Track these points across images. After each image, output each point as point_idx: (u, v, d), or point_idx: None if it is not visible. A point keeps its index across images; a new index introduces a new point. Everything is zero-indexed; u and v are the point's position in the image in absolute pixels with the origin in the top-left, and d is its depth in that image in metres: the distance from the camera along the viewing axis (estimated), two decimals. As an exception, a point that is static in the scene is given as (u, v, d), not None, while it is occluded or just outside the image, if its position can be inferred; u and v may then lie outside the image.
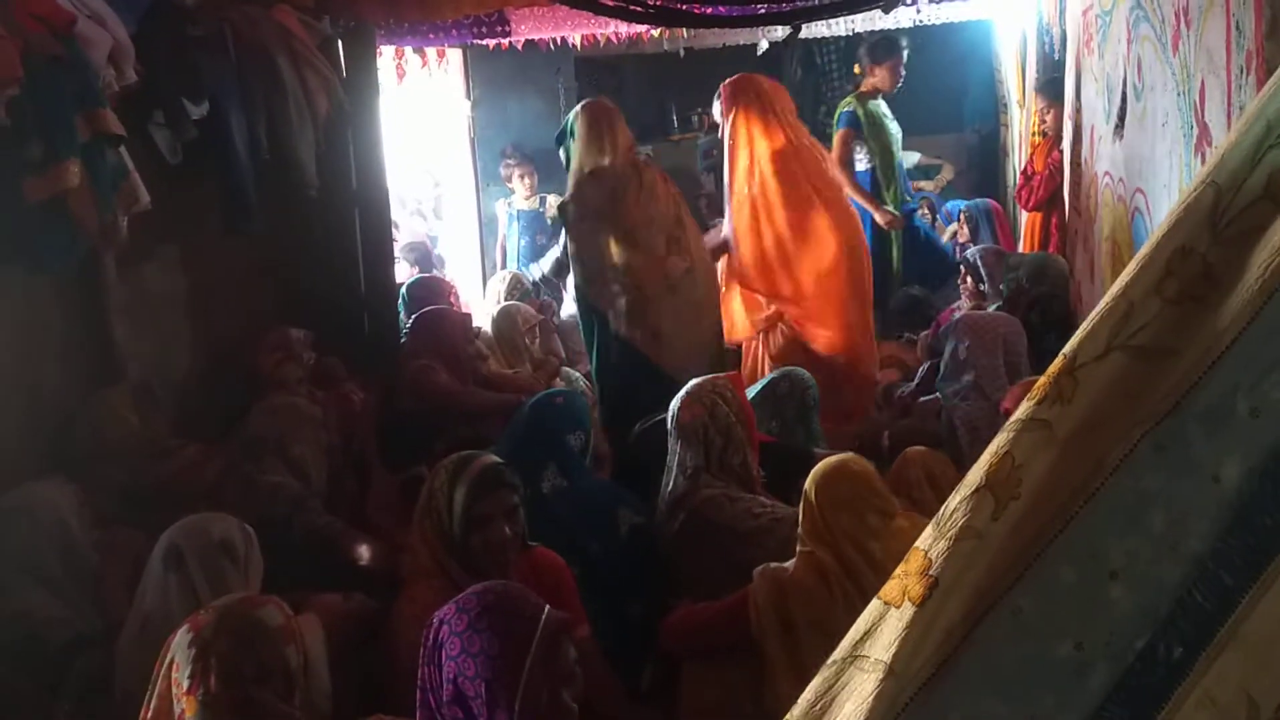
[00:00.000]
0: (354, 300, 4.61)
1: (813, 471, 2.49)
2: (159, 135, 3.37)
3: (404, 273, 6.06)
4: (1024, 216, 5.92)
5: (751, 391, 3.53)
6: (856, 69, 6.38)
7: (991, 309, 4.28)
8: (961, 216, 6.37)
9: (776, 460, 3.26)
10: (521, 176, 6.97)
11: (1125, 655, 0.92)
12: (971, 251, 4.87)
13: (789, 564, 2.46)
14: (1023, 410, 0.97)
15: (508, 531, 2.43)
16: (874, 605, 0.98)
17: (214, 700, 1.73)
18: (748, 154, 4.72)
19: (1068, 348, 0.97)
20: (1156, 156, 2.64)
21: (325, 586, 2.62)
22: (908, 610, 0.95)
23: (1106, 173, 3.52)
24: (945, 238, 7.07)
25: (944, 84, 8.36)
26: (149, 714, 1.79)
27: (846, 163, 5.80)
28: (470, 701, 1.65)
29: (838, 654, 0.99)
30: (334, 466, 3.40)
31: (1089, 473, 0.93)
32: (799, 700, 1.02)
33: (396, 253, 6.45)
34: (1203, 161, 2.13)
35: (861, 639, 0.98)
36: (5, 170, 2.77)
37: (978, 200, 6.64)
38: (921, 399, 4.02)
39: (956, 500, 0.97)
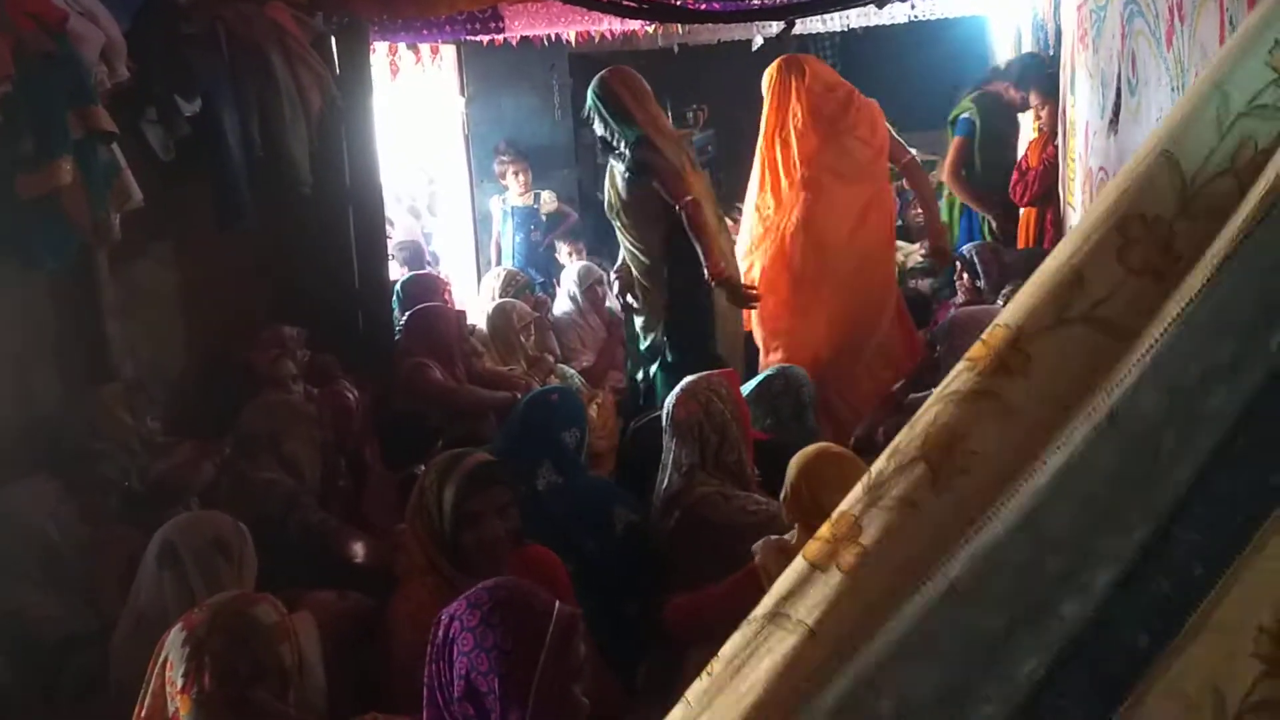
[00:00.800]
0: (348, 297, 4.61)
1: (794, 460, 2.50)
2: (151, 132, 3.35)
3: (395, 272, 6.05)
4: (1020, 212, 5.92)
5: (746, 389, 3.53)
6: (1001, 66, 6.24)
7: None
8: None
9: (772, 458, 3.26)
10: (516, 173, 6.96)
11: (1047, 623, 0.90)
12: (968, 247, 4.87)
13: (789, 535, 2.48)
14: (961, 381, 0.93)
15: (500, 529, 2.43)
16: (798, 564, 0.96)
17: (208, 699, 1.73)
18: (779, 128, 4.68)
19: (1007, 318, 0.93)
20: (1151, 152, 2.65)
21: (320, 584, 2.61)
22: (834, 576, 0.93)
23: (1101, 168, 3.52)
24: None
25: (938, 80, 8.34)
26: (143, 712, 1.79)
27: (956, 172, 5.73)
28: (483, 697, 1.64)
29: (759, 610, 0.97)
30: (328, 464, 3.40)
31: (1040, 446, 0.90)
32: (718, 655, 0.99)
33: (390, 250, 6.44)
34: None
35: (785, 597, 0.95)
36: (-2, 168, 2.76)
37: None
38: (913, 395, 4.01)
39: (890, 468, 0.94)
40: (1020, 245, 5.48)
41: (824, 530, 0.96)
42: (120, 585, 2.55)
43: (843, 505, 0.96)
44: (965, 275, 4.68)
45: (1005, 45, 7.19)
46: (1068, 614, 0.90)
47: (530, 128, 7.52)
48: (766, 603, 0.97)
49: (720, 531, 2.87)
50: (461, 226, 7.43)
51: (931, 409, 0.94)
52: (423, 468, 2.91)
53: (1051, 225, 5.10)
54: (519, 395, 4.15)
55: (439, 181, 7.70)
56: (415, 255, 6.51)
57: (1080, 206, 4.10)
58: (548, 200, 6.99)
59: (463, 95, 7.26)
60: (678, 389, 3.14)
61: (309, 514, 2.98)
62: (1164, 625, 0.88)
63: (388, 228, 5.59)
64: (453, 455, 2.52)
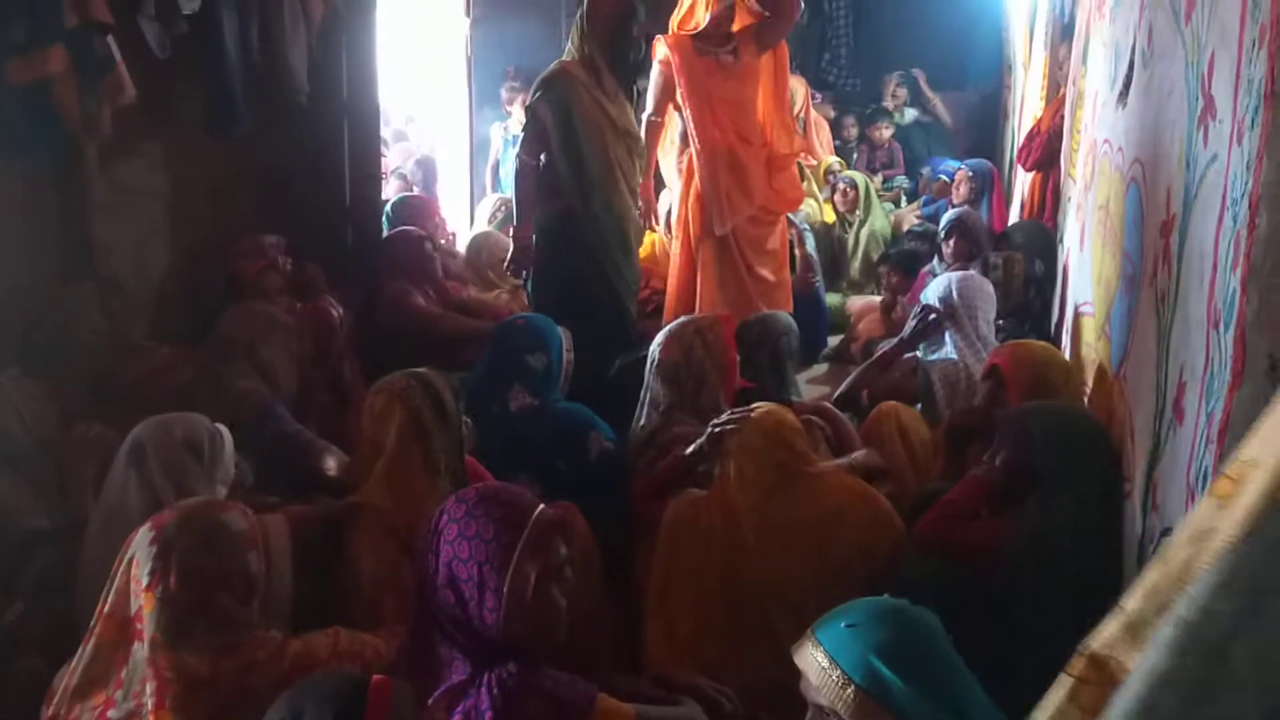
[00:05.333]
0: (339, 212, 4.55)
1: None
2: (148, 28, 3.28)
3: (399, 189, 6.04)
4: (1020, 178, 5.88)
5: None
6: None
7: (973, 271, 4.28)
8: (963, 175, 6.23)
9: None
10: (522, 103, 6.86)
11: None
12: (959, 212, 4.85)
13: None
14: (1213, 521, 0.95)
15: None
16: (1069, 709, 1.01)
17: (173, 598, 1.74)
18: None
19: (1258, 454, 0.94)
20: (1159, 127, 2.61)
21: (291, 494, 2.62)
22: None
23: (1106, 140, 3.48)
24: (934, 194, 7.05)
25: (949, 40, 8.27)
26: (106, 609, 1.79)
27: None
28: (462, 585, 1.69)
29: None
30: (305, 377, 3.38)
31: None
32: None
33: (407, 166, 6.41)
34: (1205, 135, 2.10)
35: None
36: (-13, 51, 2.70)
37: (980, 160, 6.56)
38: (905, 356, 4.00)
39: (1151, 609, 0.98)
40: (1026, 214, 5.45)
41: (1090, 674, 1.01)
42: (95, 484, 2.54)
43: (1104, 646, 1.00)
44: (952, 239, 4.66)
45: (1020, 10, 7.10)
46: None
47: (536, 56, 7.35)
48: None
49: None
50: (458, 151, 7.35)
51: (1185, 549, 0.96)
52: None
53: (1050, 194, 5.06)
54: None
55: (435, 103, 7.59)
56: (430, 174, 6.46)
57: (1081, 178, 4.07)
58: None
59: (468, 16, 7.12)
60: (666, 329, 3.15)
61: (284, 425, 2.97)
62: None
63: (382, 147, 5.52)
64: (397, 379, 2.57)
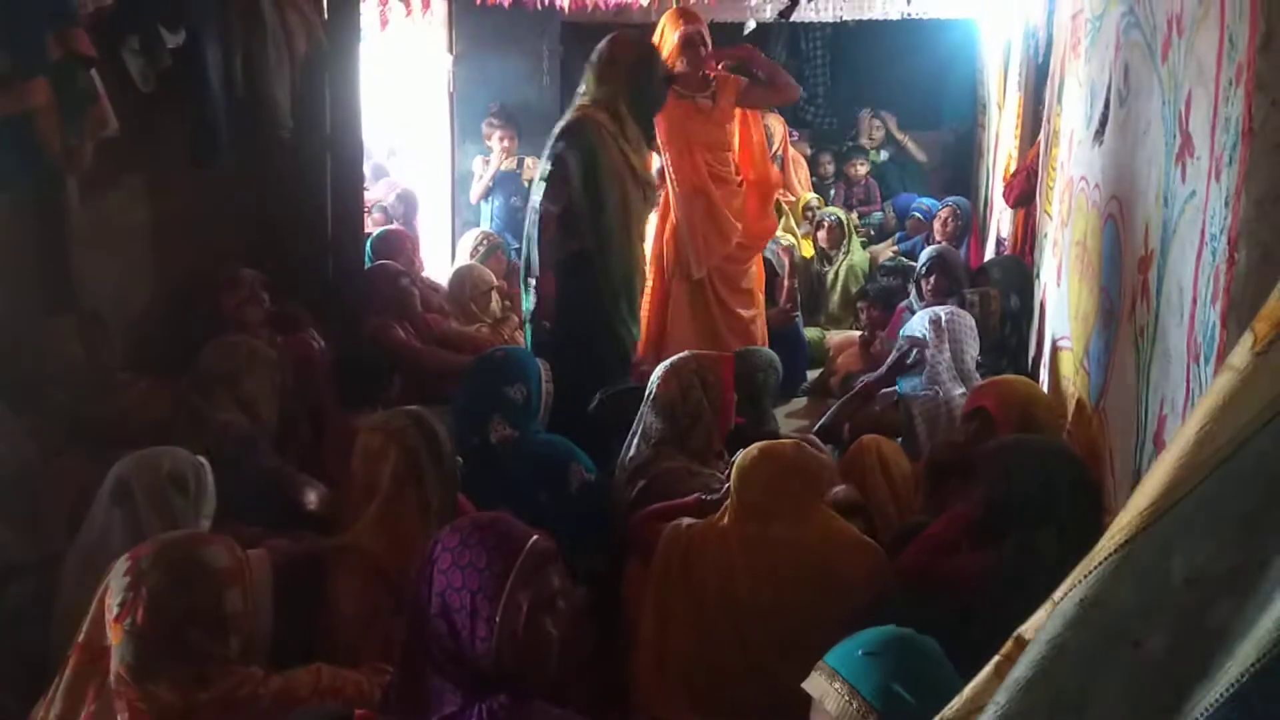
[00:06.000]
0: (320, 245, 4.55)
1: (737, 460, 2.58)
2: (132, 62, 3.28)
3: (380, 223, 6.06)
4: (996, 215, 5.95)
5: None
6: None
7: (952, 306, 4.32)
8: (949, 211, 6.28)
9: (742, 442, 3.28)
10: (501, 139, 6.92)
11: None
12: (937, 249, 4.90)
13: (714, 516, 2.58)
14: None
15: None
16: (987, 672, 1.13)
17: (139, 631, 1.71)
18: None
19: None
20: (1136, 164, 2.65)
21: (272, 527, 2.59)
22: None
23: (1083, 177, 3.53)
24: (909, 231, 7.13)
25: (924, 81, 8.39)
26: (81, 639, 1.77)
27: None
28: (454, 614, 1.66)
29: (953, 715, 1.14)
30: (286, 410, 3.37)
31: None
32: None
33: (389, 200, 6.45)
34: (1183, 172, 2.14)
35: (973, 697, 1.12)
36: (-31, 83, 2.69)
37: (960, 197, 6.64)
38: (885, 390, 4.03)
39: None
40: (1009, 250, 5.50)
41: (1015, 653, 1.10)
42: (69, 517, 2.51)
43: (1032, 631, 1.10)
44: (933, 276, 4.70)
45: (995, 52, 7.21)
46: None
47: (517, 92, 7.44)
48: (962, 708, 1.14)
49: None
50: (440, 185, 7.37)
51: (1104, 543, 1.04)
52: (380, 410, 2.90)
53: (1031, 230, 5.12)
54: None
55: (416, 139, 7.63)
56: (411, 208, 6.49)
57: (1058, 215, 4.12)
58: (530, 166, 6.93)
59: (450, 53, 7.17)
60: (666, 364, 3.19)
61: (265, 458, 2.96)
62: None
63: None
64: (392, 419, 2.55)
